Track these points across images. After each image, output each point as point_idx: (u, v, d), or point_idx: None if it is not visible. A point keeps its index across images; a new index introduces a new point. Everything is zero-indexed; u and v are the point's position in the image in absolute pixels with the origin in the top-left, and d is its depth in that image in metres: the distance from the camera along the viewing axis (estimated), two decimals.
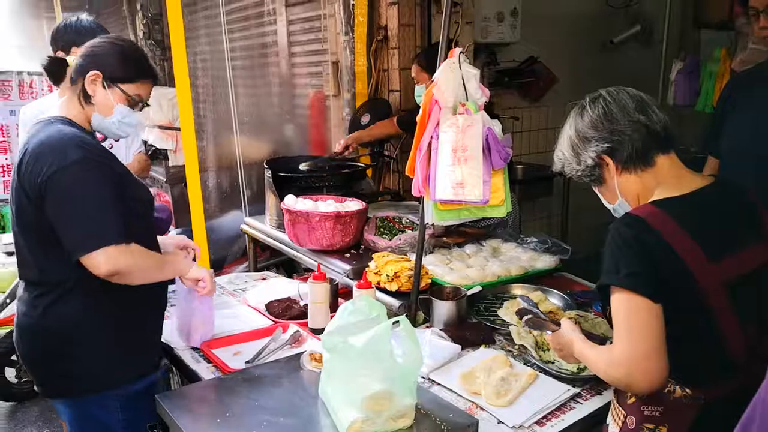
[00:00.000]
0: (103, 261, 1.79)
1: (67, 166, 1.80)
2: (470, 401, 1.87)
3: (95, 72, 1.96)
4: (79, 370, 1.96)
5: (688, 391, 1.52)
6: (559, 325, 1.83)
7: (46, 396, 2.04)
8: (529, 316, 1.97)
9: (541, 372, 1.98)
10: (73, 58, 2.04)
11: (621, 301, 1.50)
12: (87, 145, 1.89)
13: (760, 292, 1.58)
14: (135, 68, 2.02)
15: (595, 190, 1.77)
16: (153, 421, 1.89)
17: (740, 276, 1.53)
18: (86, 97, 1.99)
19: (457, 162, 2.08)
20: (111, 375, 1.97)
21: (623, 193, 1.67)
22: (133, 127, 2.08)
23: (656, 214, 1.53)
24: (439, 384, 1.96)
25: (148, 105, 2.11)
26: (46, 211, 1.83)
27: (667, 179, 1.61)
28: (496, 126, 2.14)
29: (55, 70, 2.13)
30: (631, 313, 1.48)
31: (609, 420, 1.69)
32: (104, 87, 1.98)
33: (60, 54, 2.85)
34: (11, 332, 2.16)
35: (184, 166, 3.71)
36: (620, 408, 1.62)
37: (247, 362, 2.09)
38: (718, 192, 1.64)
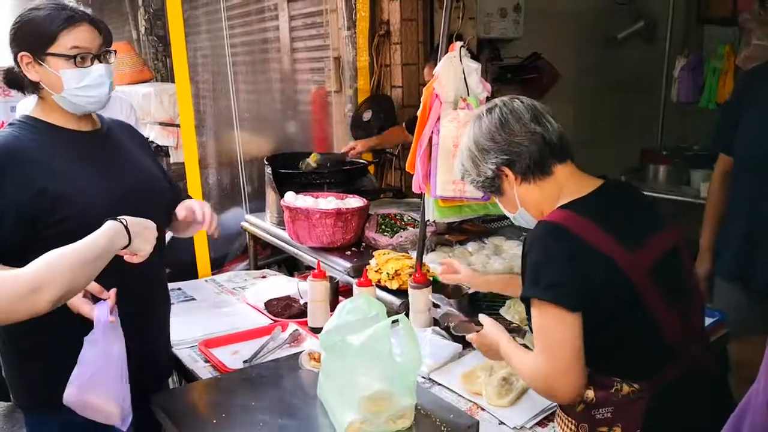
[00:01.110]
0: None
1: None
2: (471, 401, 1.84)
3: (22, 54, 1.72)
4: (20, 379, 1.83)
5: (635, 386, 1.51)
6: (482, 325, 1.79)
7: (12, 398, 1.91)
8: (454, 324, 1.91)
9: None
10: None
11: (541, 314, 1.51)
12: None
13: (675, 275, 1.60)
14: (49, 24, 1.71)
15: (496, 200, 1.77)
16: None
17: (656, 261, 1.55)
18: (34, 86, 1.76)
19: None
20: (48, 395, 1.73)
21: (523, 203, 1.67)
22: (102, 86, 1.78)
23: (571, 217, 1.53)
24: (439, 384, 1.93)
25: (109, 52, 1.80)
26: None
27: (569, 185, 1.63)
28: None
29: (15, 80, 1.82)
30: (550, 326, 1.50)
31: None
32: (39, 64, 1.72)
33: None
34: None
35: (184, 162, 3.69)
36: (568, 418, 1.56)
37: (245, 362, 2.06)
38: (614, 189, 1.68)
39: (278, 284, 2.81)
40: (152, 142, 5.03)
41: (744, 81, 2.86)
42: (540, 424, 1.75)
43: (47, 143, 1.76)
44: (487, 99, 2.15)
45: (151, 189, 1.94)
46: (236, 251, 4.22)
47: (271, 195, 3.25)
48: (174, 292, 2.67)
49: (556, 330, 1.48)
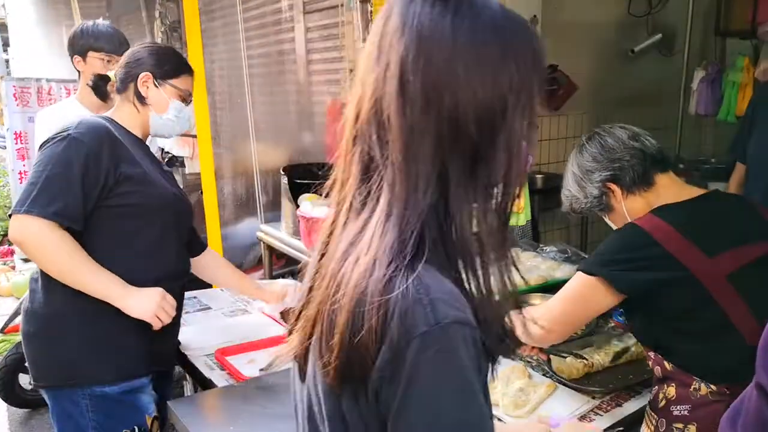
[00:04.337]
0: (12, 225, 1.81)
1: (48, 140, 1.90)
2: None
3: (145, 74, 2.08)
4: (50, 359, 1.96)
5: (713, 387, 1.58)
6: None
7: (34, 383, 2.03)
8: None
9: (559, 383, 1.94)
10: (114, 72, 2.16)
11: (579, 278, 1.70)
12: (90, 128, 1.92)
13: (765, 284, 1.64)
14: (177, 64, 2.15)
15: (606, 219, 1.87)
16: (128, 427, 1.92)
17: (744, 267, 1.61)
18: (140, 99, 2.10)
19: None
20: (79, 370, 1.93)
21: (632, 216, 1.76)
22: (188, 121, 2.20)
23: (650, 219, 1.66)
24: None
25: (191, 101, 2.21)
26: None
27: (666, 193, 1.73)
28: None
29: (101, 86, 2.25)
30: (579, 287, 1.69)
31: (642, 429, 1.73)
32: (156, 86, 2.09)
33: (76, 58, 2.85)
34: None
35: (200, 173, 3.72)
36: (652, 413, 1.69)
37: (261, 370, 2.06)
38: (715, 198, 1.77)
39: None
40: (168, 152, 5.06)
41: (759, 94, 2.88)
42: None
43: (125, 138, 2.04)
44: None
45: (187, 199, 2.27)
46: (251, 261, 4.23)
47: (286, 205, 3.26)
48: (190, 301, 2.68)
49: (583, 297, 1.68)
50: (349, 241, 0.86)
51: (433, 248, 0.83)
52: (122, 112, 2.11)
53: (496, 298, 0.89)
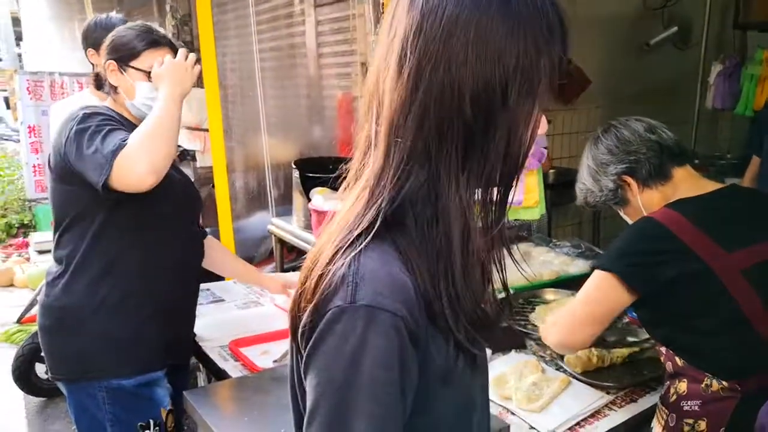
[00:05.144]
0: (119, 177, 1.74)
1: (76, 124, 1.83)
2: (501, 406, 1.82)
3: (108, 62, 2.02)
4: (66, 352, 1.97)
5: (724, 383, 1.55)
6: None
7: (51, 375, 2.04)
8: None
9: (573, 378, 1.93)
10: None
11: (598, 279, 1.66)
12: (96, 108, 1.93)
13: None
14: (137, 42, 2.02)
15: (621, 213, 1.85)
16: (144, 420, 1.94)
17: (759, 263, 1.58)
18: (113, 88, 2.04)
19: None
20: (95, 364, 1.94)
21: (647, 210, 1.73)
22: None
23: (667, 212, 1.63)
24: None
25: None
26: (72, 166, 1.82)
27: (684, 187, 1.70)
28: None
29: (100, 84, 2.16)
30: (596, 286, 1.66)
31: (654, 423, 1.71)
32: (121, 72, 2.01)
33: (90, 51, 2.86)
34: None
35: (211, 167, 3.72)
36: (663, 408, 1.67)
37: (274, 361, 2.08)
38: (732, 192, 1.74)
39: None
40: (179, 145, 5.07)
41: None
42: (571, 429, 1.73)
43: (125, 125, 1.97)
44: None
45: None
46: (262, 255, 4.23)
47: (298, 198, 3.26)
48: (203, 293, 2.70)
49: (601, 294, 1.64)
50: (335, 213, 0.90)
51: (406, 231, 0.82)
52: (110, 102, 2.09)
53: (472, 295, 0.86)
